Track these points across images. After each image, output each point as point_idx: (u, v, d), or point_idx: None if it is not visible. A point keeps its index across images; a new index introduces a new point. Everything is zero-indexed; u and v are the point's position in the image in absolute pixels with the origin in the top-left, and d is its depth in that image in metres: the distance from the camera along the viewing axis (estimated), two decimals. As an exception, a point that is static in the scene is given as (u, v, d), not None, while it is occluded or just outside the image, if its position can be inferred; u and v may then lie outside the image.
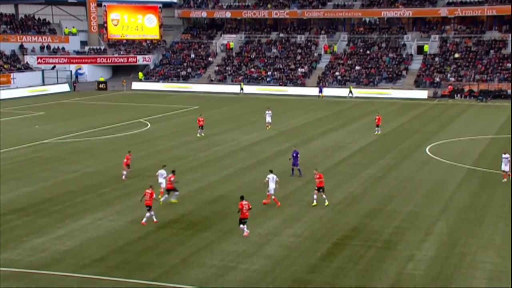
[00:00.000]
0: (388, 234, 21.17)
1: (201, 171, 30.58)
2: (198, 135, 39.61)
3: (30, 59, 74.07)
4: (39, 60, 74.98)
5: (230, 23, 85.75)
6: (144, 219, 22.36)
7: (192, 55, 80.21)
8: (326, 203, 24.47)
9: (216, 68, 76.35)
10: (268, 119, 42.68)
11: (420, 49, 71.95)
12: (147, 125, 45.54)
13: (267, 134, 41.06)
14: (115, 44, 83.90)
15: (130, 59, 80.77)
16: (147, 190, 22.54)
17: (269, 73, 73.51)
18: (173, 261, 18.91)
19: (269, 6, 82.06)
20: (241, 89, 68.18)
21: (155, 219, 22.44)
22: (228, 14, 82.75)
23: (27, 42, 76.17)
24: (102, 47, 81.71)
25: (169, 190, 24.88)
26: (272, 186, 24.45)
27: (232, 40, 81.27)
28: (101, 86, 72.14)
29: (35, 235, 21.24)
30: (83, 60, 78.23)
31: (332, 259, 19.04)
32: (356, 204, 24.70)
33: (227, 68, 76.12)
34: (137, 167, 30.68)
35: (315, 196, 24.54)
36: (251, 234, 21.16)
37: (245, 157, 33.90)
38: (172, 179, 24.81)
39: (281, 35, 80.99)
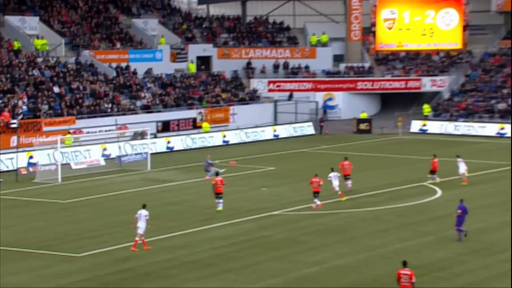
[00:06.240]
0: None
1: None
2: (430, 181, 46.15)
3: (258, 84, 79.90)
4: (271, 85, 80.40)
5: None
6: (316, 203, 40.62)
7: (518, 76, 78.90)
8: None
9: (559, 98, 73.91)
10: (462, 169, 47.81)
11: None
12: (436, 192, 45.88)
13: None
14: (387, 60, 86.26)
15: (410, 84, 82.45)
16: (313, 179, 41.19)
17: None
18: None
19: None
20: None
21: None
22: None
23: (255, 57, 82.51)
24: (367, 65, 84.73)
25: (218, 194, 40.30)
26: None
27: None
28: (362, 126, 74.59)
29: None
30: (336, 86, 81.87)
31: None
32: None
33: None
34: (424, 261, 30.81)
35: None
36: None
37: None
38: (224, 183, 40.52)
39: None
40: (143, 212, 33.63)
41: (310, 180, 41.82)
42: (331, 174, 43.20)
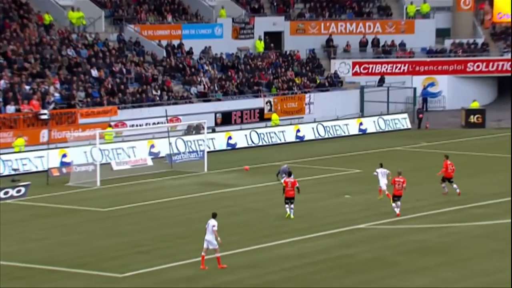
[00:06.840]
0: None
1: None
2: None
3: (340, 66, 79.86)
4: (357, 67, 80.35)
5: None
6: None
7: None
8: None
9: None
10: None
11: None
12: None
13: None
14: (507, 34, 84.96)
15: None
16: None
17: None
18: None
19: None
20: None
21: None
22: None
23: (337, 33, 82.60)
24: (480, 41, 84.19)
25: (289, 199, 41.35)
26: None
27: None
28: (472, 118, 74.06)
29: None
30: (440, 68, 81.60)
31: None
32: None
33: None
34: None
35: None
36: None
37: None
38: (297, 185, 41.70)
39: None
40: (211, 222, 33.42)
41: (392, 179, 42.78)
42: (378, 170, 44.67)
